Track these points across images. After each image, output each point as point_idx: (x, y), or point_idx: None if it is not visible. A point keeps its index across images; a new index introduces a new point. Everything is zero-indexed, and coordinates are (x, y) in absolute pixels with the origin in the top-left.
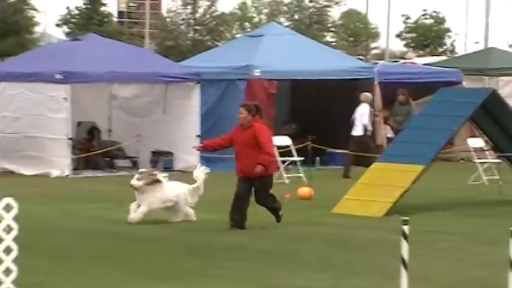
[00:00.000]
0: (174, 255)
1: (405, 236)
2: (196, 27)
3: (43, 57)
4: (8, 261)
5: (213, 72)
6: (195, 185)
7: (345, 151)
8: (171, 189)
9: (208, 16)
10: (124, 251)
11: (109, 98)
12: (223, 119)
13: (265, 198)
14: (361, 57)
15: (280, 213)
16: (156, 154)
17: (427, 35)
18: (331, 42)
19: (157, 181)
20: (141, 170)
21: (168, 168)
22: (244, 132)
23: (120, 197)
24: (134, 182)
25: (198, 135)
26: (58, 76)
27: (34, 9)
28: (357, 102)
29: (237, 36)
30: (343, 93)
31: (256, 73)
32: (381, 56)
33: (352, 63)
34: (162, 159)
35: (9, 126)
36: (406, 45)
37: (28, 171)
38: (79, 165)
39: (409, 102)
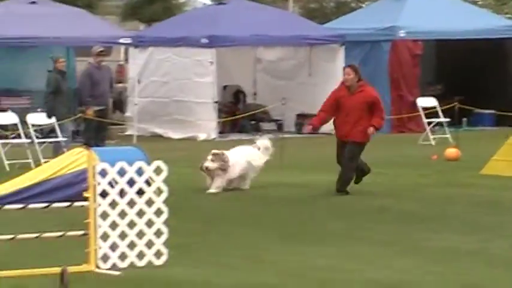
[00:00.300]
0: (319, 218)
1: None
2: None
3: (189, 22)
4: (159, 223)
5: (357, 34)
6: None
7: (494, 111)
8: (239, 164)
9: None
10: (269, 214)
11: (254, 61)
12: (367, 80)
13: (349, 163)
14: (509, 15)
15: (346, 186)
16: (301, 117)
17: None
18: (477, 1)
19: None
20: (213, 151)
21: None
22: (352, 96)
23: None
24: (209, 164)
25: None
26: (204, 40)
27: None
28: (505, 63)
29: None
30: (491, 53)
31: (401, 34)
32: None
33: (499, 22)
34: (307, 122)
35: (158, 91)
36: None
37: (175, 135)
38: (225, 128)
39: None
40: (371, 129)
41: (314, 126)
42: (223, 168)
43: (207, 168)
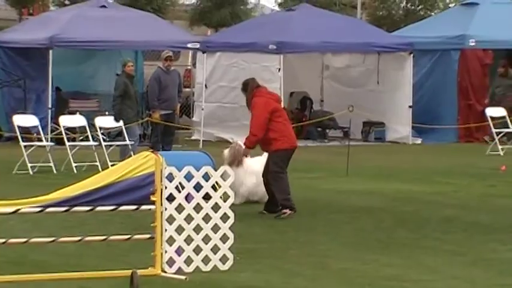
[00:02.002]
0: (385, 226)
1: None
2: None
3: (257, 28)
4: (225, 228)
5: (426, 42)
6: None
7: None
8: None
9: None
10: (335, 221)
11: (321, 68)
12: (435, 89)
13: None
14: None
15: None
16: (368, 124)
17: None
18: None
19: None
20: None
21: (379, 139)
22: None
23: (331, 167)
24: (224, 151)
25: (410, 106)
26: (272, 46)
27: None
28: None
29: (450, 5)
30: None
31: (471, 43)
32: None
33: None
34: (374, 130)
35: (225, 96)
36: None
37: (242, 141)
38: None
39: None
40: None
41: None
42: (235, 159)
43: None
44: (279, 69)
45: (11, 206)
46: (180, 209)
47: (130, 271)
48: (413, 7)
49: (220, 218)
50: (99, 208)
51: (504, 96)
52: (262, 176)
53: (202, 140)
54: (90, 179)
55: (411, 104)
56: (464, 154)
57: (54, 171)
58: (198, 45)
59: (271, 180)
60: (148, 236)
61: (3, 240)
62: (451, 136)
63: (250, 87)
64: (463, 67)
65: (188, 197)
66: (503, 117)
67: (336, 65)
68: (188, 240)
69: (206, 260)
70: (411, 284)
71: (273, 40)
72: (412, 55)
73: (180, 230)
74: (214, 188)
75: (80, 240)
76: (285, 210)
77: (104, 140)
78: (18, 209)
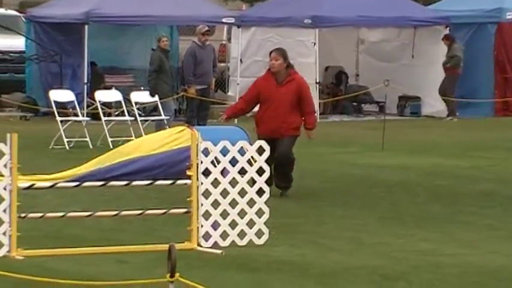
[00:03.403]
0: (420, 201)
1: None
2: None
3: (292, 3)
4: (261, 202)
5: (462, 16)
6: None
7: None
8: None
9: None
10: (370, 195)
11: (356, 42)
12: (471, 63)
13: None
14: None
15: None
16: (403, 99)
17: None
18: None
19: None
20: None
21: (415, 113)
22: (280, 87)
23: (366, 141)
24: None
25: None
26: (307, 21)
27: None
28: None
29: None
30: None
31: (508, 16)
32: None
33: None
34: (409, 104)
35: (260, 71)
36: None
37: None
38: (326, 109)
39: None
40: (313, 133)
41: (228, 118)
42: None
43: None
44: (314, 44)
45: (47, 180)
46: (215, 183)
47: (166, 245)
48: None
49: (256, 192)
50: (135, 182)
51: None
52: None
53: None
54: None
55: None
56: (501, 128)
57: (90, 146)
58: (233, 20)
59: (290, 161)
60: (184, 210)
61: (41, 214)
62: (487, 110)
63: (288, 60)
64: (499, 40)
65: (224, 172)
66: None
67: (371, 39)
68: (224, 214)
69: (242, 235)
70: (447, 258)
71: (308, 14)
72: (448, 29)
73: (215, 204)
74: (249, 162)
75: (116, 215)
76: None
77: (139, 115)
78: (55, 184)
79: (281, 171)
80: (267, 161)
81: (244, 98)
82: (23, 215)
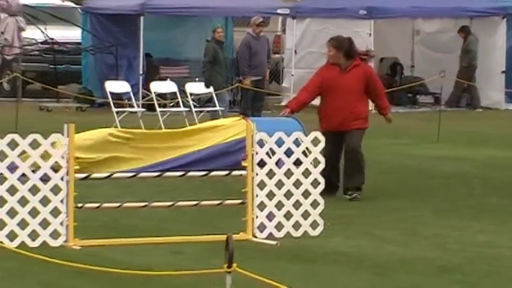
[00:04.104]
0: (477, 193)
1: None
2: None
3: None
4: (316, 193)
5: None
6: None
7: None
8: None
9: None
10: (425, 187)
11: (412, 33)
12: None
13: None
14: None
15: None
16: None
17: None
18: None
19: None
20: None
21: (470, 105)
22: (345, 74)
23: (422, 133)
24: None
25: (502, 72)
26: (362, 12)
27: None
28: None
29: None
30: None
31: None
32: None
33: None
34: (466, 96)
35: (315, 62)
36: None
37: None
38: None
39: None
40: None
41: (291, 111)
42: None
43: None
44: (370, 35)
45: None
46: (270, 174)
47: (221, 236)
48: None
49: (311, 183)
50: (190, 173)
51: None
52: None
53: None
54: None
55: (504, 69)
56: None
57: None
58: (287, 11)
59: (359, 157)
60: (239, 201)
61: (97, 204)
62: None
63: (346, 49)
64: None
65: (279, 163)
66: None
67: (427, 30)
68: (279, 205)
69: (297, 226)
70: (504, 251)
71: (363, 5)
72: (505, 19)
73: (270, 195)
74: (304, 153)
75: (171, 205)
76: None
77: (194, 106)
78: (111, 174)
79: (353, 168)
80: (331, 159)
81: (306, 88)
82: (79, 205)
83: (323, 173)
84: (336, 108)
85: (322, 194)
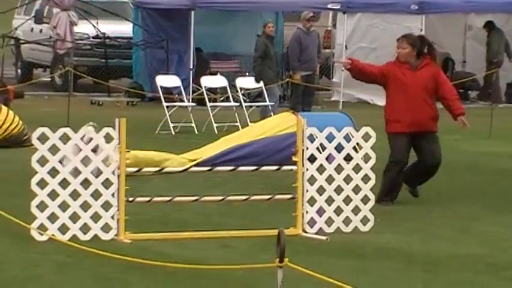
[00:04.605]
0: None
1: None
2: None
3: None
4: (366, 189)
5: None
6: None
7: None
8: None
9: None
10: (477, 183)
11: (464, 28)
12: None
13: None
14: None
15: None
16: None
17: None
18: None
19: None
20: None
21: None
22: (415, 71)
23: (474, 128)
24: None
25: None
26: (414, 7)
27: None
28: None
29: None
30: None
31: None
32: None
33: None
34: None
35: (367, 58)
36: None
37: (381, 102)
38: None
39: None
40: (463, 120)
41: (352, 64)
42: None
43: None
44: (421, 30)
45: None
46: (321, 169)
47: (271, 231)
48: None
49: (361, 179)
50: (240, 168)
51: None
52: (398, 162)
53: (342, 101)
54: (232, 136)
55: None
56: None
57: (196, 132)
58: (338, 6)
59: (439, 165)
60: (289, 196)
61: (148, 198)
62: None
63: (420, 47)
64: None
65: (329, 158)
66: None
67: (480, 25)
68: (329, 201)
69: (347, 221)
70: None
71: (415, 0)
72: None
73: (321, 190)
74: (355, 149)
75: (222, 200)
76: None
77: (245, 101)
78: (162, 169)
79: (430, 174)
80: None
81: (377, 66)
82: (130, 199)
83: (392, 176)
84: (408, 108)
85: (386, 200)
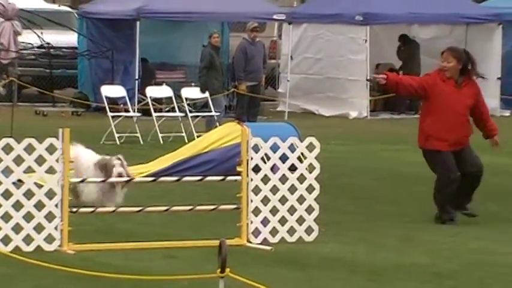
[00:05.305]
0: (473, 198)
1: None
2: None
3: None
4: (310, 199)
5: None
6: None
7: None
8: None
9: None
10: (421, 193)
11: None
12: None
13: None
14: None
15: None
16: None
17: None
18: None
19: None
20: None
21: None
22: (460, 89)
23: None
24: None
25: (498, 78)
26: (358, 18)
27: None
28: None
29: None
30: None
31: None
32: None
33: None
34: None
35: (311, 68)
36: None
37: (327, 112)
38: (376, 106)
39: None
40: (495, 140)
41: (388, 80)
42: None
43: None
44: (365, 41)
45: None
46: (265, 179)
47: (216, 241)
48: None
49: (306, 189)
50: (185, 178)
51: None
52: (455, 178)
53: (288, 112)
54: (178, 151)
55: (500, 75)
56: None
57: (141, 142)
58: (284, 17)
59: (483, 172)
60: (234, 206)
61: (92, 209)
62: None
63: (465, 62)
64: None
65: (274, 168)
66: None
67: (423, 36)
68: (274, 211)
69: (291, 231)
70: (500, 257)
71: (360, 11)
72: (501, 26)
73: (265, 200)
74: (299, 159)
75: (166, 210)
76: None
77: (190, 111)
78: (106, 179)
79: (474, 186)
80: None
81: (417, 79)
82: (74, 209)
83: (452, 191)
84: (451, 127)
85: (444, 220)
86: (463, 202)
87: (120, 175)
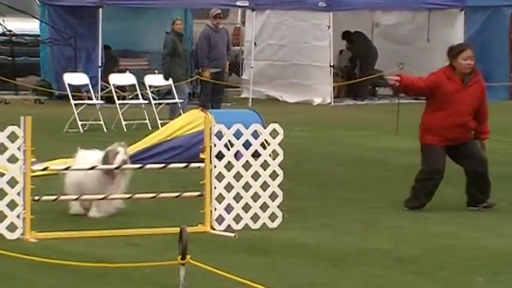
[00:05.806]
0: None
1: None
2: None
3: None
4: (274, 185)
5: None
6: None
7: None
8: None
9: None
10: (384, 179)
11: (371, 25)
12: (486, 47)
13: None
14: None
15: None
16: None
17: None
18: None
19: None
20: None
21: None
22: (466, 88)
23: (381, 125)
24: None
25: None
26: (321, 4)
27: None
28: None
29: None
30: None
31: None
32: None
33: None
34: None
35: (274, 54)
36: None
37: (291, 99)
38: (340, 93)
39: None
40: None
41: (401, 82)
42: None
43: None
44: (329, 27)
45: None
46: (229, 166)
47: (178, 228)
48: None
49: (269, 175)
50: (148, 166)
51: None
52: (437, 171)
53: (252, 98)
54: (143, 140)
55: None
56: None
57: (104, 130)
58: (247, 3)
59: (487, 167)
60: (197, 193)
61: (55, 197)
62: (503, 93)
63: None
64: None
65: (237, 155)
66: None
67: (386, 22)
68: (237, 198)
69: (255, 218)
70: (460, 241)
71: None
72: (463, 12)
73: (229, 187)
74: (263, 145)
75: (129, 198)
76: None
77: (154, 99)
78: (69, 167)
79: (484, 178)
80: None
81: (425, 80)
82: (36, 197)
83: (427, 187)
84: (450, 125)
85: (412, 206)
86: (479, 198)
87: (124, 162)
